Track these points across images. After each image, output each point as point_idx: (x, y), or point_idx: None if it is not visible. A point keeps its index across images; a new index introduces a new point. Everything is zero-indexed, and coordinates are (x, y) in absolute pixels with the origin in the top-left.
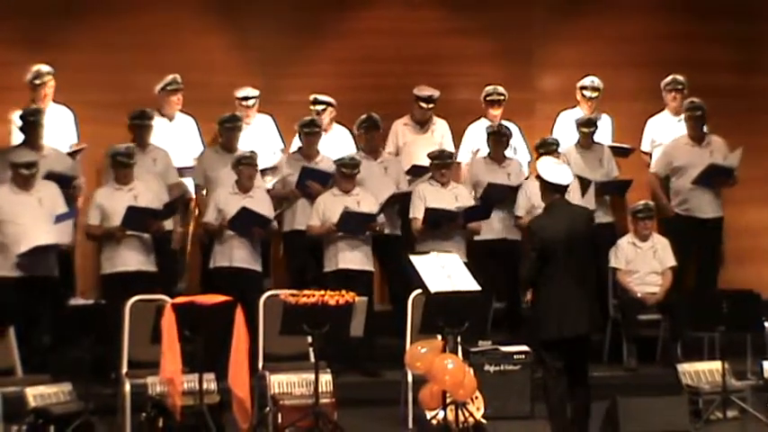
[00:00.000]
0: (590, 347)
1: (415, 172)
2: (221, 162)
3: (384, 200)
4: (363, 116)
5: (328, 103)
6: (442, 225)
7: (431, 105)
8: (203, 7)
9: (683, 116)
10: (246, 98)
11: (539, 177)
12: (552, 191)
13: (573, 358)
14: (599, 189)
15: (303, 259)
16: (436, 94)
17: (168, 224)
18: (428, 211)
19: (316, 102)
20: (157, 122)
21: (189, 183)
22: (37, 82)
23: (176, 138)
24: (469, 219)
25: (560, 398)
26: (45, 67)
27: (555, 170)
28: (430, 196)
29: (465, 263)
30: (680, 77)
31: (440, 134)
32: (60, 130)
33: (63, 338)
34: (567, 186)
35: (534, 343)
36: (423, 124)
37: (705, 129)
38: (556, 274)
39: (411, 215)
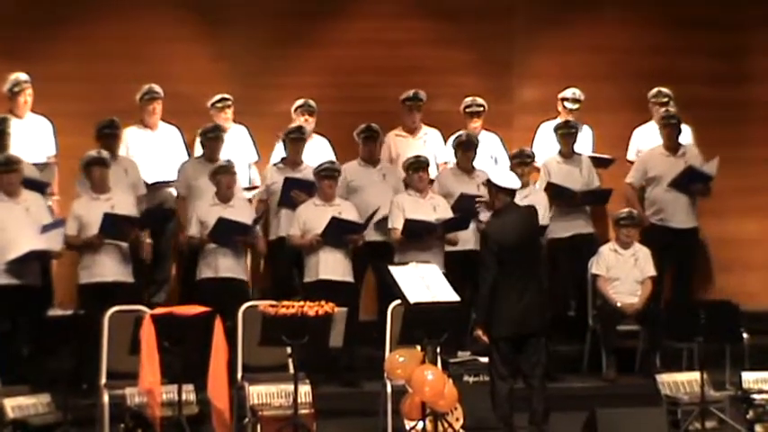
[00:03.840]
0: (540, 347)
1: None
2: (203, 172)
3: (369, 214)
4: (363, 126)
5: (315, 109)
6: (421, 236)
7: (419, 103)
8: (184, 17)
9: None
10: (223, 99)
11: (489, 183)
12: (504, 195)
13: (523, 359)
14: (579, 198)
15: (288, 268)
16: (422, 93)
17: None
18: (407, 222)
19: (307, 105)
20: (139, 133)
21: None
22: (15, 90)
23: (159, 149)
24: (448, 230)
25: (505, 398)
26: (23, 76)
27: (505, 176)
28: (408, 207)
29: (443, 273)
30: (665, 90)
31: (432, 143)
32: (38, 140)
33: (42, 349)
34: (515, 190)
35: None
36: (413, 131)
37: (690, 139)
38: (507, 275)
39: (390, 225)
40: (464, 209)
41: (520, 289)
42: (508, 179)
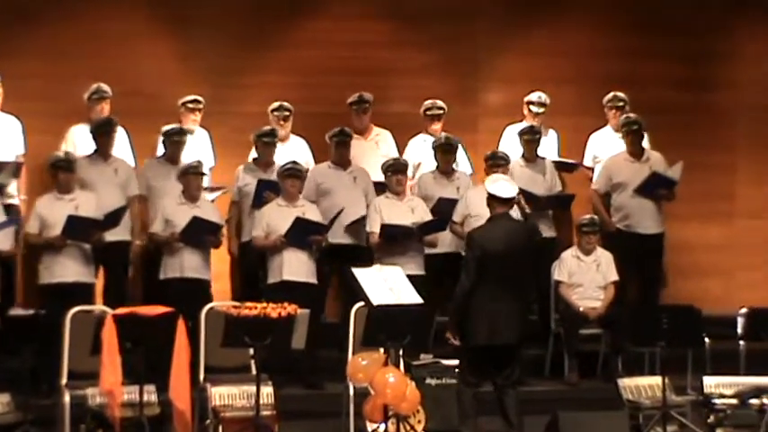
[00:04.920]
0: (519, 359)
1: None
2: (164, 173)
3: (333, 215)
4: (336, 129)
5: (291, 111)
6: (398, 240)
7: (365, 106)
8: (152, 16)
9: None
10: (195, 101)
11: (486, 191)
12: (497, 203)
13: (499, 368)
14: (542, 203)
15: (256, 269)
16: (367, 95)
17: (125, 235)
18: (385, 227)
19: (282, 108)
20: (87, 132)
21: None
22: None
23: None
24: (426, 233)
25: (471, 403)
26: None
27: (500, 184)
28: (386, 210)
29: (422, 276)
30: (621, 94)
31: (385, 145)
32: (7, 139)
33: (2, 348)
34: (511, 199)
35: (462, 349)
36: (363, 133)
37: (646, 144)
38: (490, 284)
39: (368, 229)
40: (443, 213)
41: (499, 298)
42: (501, 188)
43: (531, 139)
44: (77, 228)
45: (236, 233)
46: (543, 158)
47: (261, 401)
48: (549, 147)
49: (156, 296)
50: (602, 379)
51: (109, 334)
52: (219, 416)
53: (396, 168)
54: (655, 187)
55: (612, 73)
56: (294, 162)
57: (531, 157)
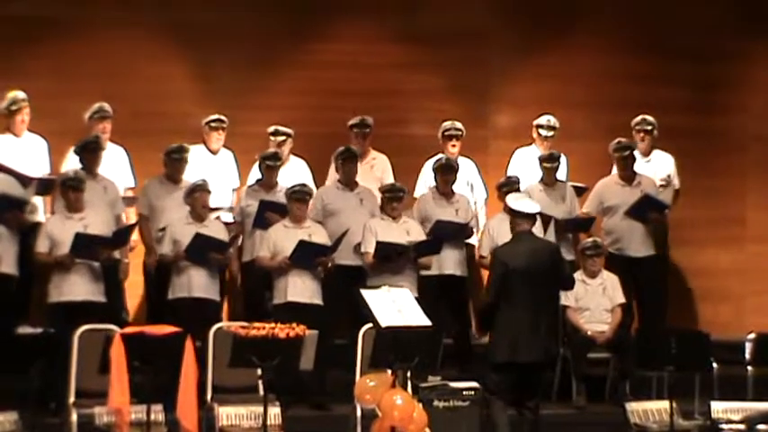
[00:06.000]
0: (542, 380)
1: None
2: (166, 192)
3: (337, 237)
4: (341, 148)
5: (288, 134)
6: (392, 259)
7: (366, 130)
8: (162, 36)
9: (651, 156)
10: (219, 120)
11: (507, 209)
12: (521, 220)
13: (523, 387)
14: (562, 226)
15: (260, 289)
16: (368, 119)
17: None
18: (379, 244)
19: (277, 133)
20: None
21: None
22: (13, 108)
23: (105, 168)
24: (420, 253)
25: (501, 411)
26: (21, 94)
27: (522, 201)
28: (381, 230)
29: (416, 298)
30: (649, 118)
31: (380, 168)
32: (34, 159)
33: (10, 367)
34: (536, 215)
35: (486, 367)
36: (360, 156)
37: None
38: (514, 301)
39: (362, 249)
40: (439, 235)
41: (522, 315)
42: (524, 203)
43: (551, 167)
44: (85, 245)
45: (237, 253)
46: (563, 182)
47: (268, 422)
48: (558, 170)
49: (164, 316)
50: (609, 402)
51: (117, 353)
52: None
53: (393, 196)
54: (646, 210)
55: (623, 98)
56: (303, 184)
57: (550, 181)
